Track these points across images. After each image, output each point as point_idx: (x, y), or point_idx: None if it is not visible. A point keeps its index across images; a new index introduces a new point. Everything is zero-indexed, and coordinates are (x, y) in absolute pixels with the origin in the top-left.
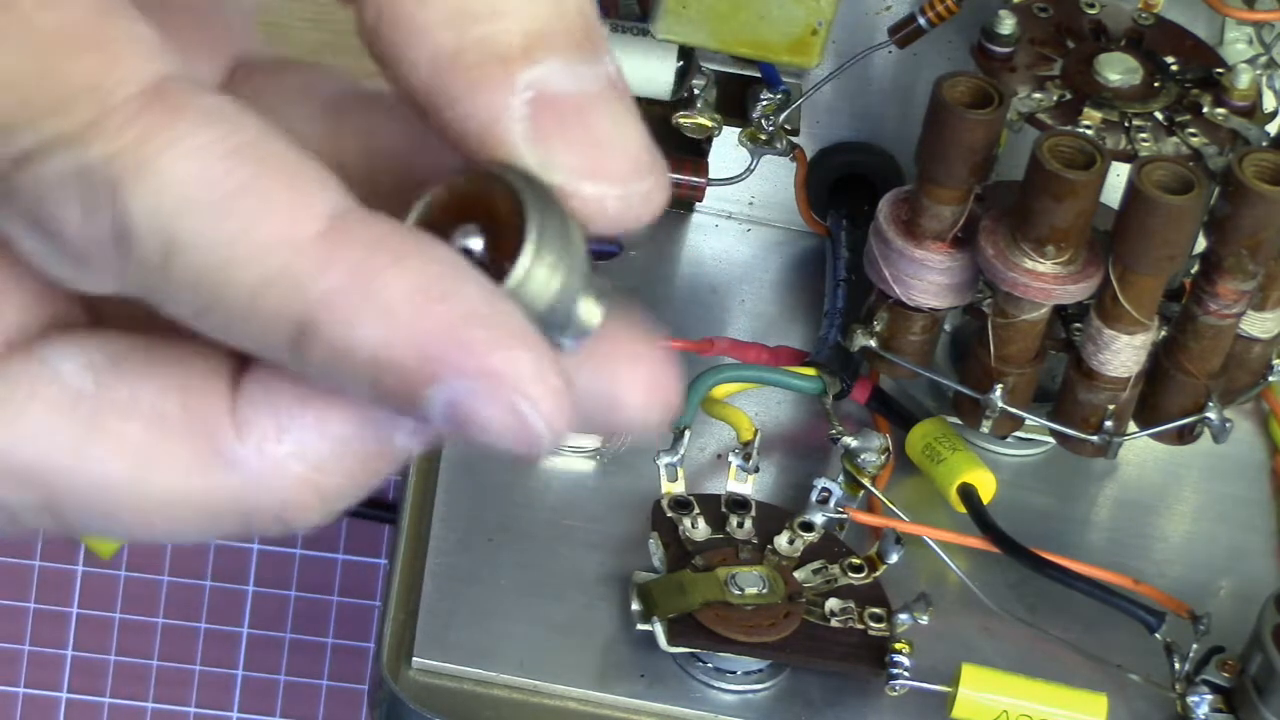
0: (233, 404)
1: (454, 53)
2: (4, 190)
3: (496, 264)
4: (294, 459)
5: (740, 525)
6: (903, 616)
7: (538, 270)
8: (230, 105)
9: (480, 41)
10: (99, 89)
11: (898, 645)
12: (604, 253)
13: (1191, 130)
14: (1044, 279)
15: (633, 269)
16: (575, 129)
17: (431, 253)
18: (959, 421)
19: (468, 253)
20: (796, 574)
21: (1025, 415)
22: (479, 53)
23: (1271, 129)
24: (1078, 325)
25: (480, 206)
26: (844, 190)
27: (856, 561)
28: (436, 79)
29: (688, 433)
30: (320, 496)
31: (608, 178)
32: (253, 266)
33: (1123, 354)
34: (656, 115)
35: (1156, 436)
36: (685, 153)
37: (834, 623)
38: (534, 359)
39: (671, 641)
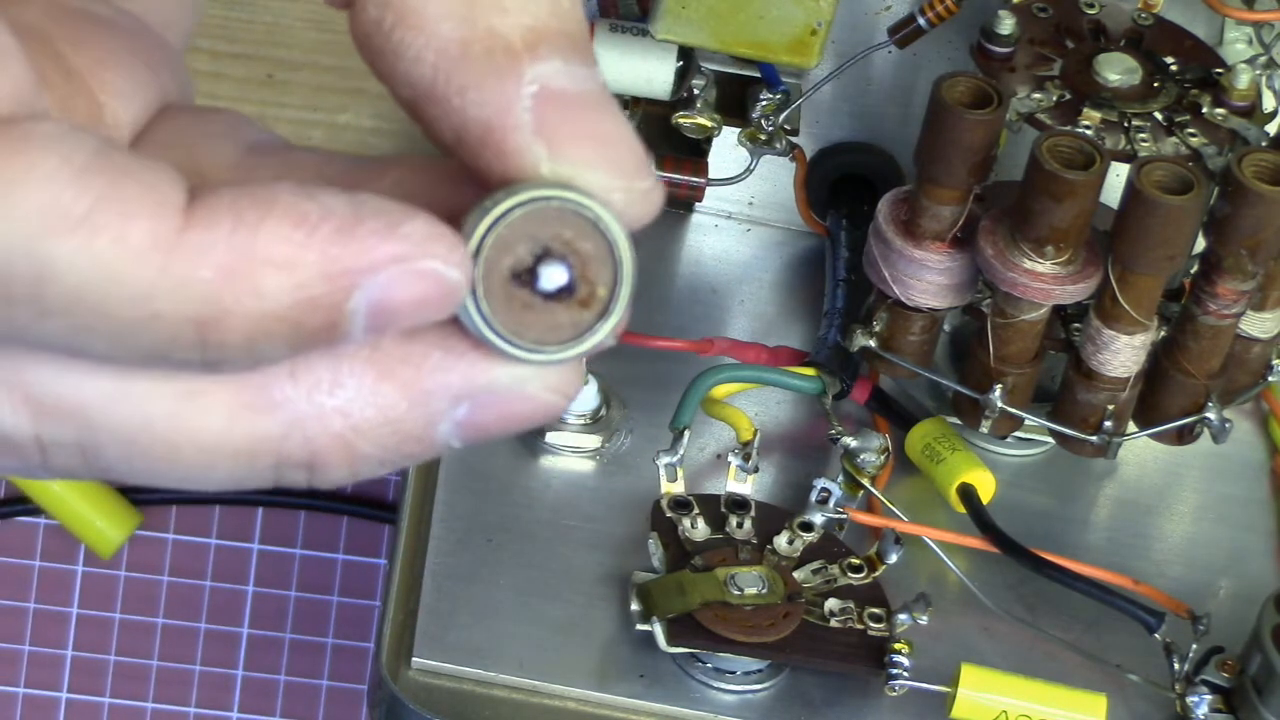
0: None
1: (462, 43)
2: None
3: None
4: (338, 414)
5: (740, 525)
6: (902, 616)
7: (619, 319)
8: (65, 127)
9: (488, 33)
10: None
11: (897, 645)
12: None
13: (1191, 130)
14: (1043, 279)
15: None
16: (580, 123)
17: (287, 194)
18: (958, 421)
19: (553, 290)
20: (796, 574)
21: (1025, 415)
22: (487, 43)
23: (1271, 129)
24: (1077, 325)
25: (545, 230)
26: (844, 190)
27: (856, 562)
28: (444, 69)
29: (687, 433)
30: (350, 459)
31: (613, 171)
32: (135, 275)
33: (1122, 354)
34: (656, 115)
35: (1156, 437)
36: (685, 153)
37: (833, 623)
38: (422, 222)
39: (671, 642)
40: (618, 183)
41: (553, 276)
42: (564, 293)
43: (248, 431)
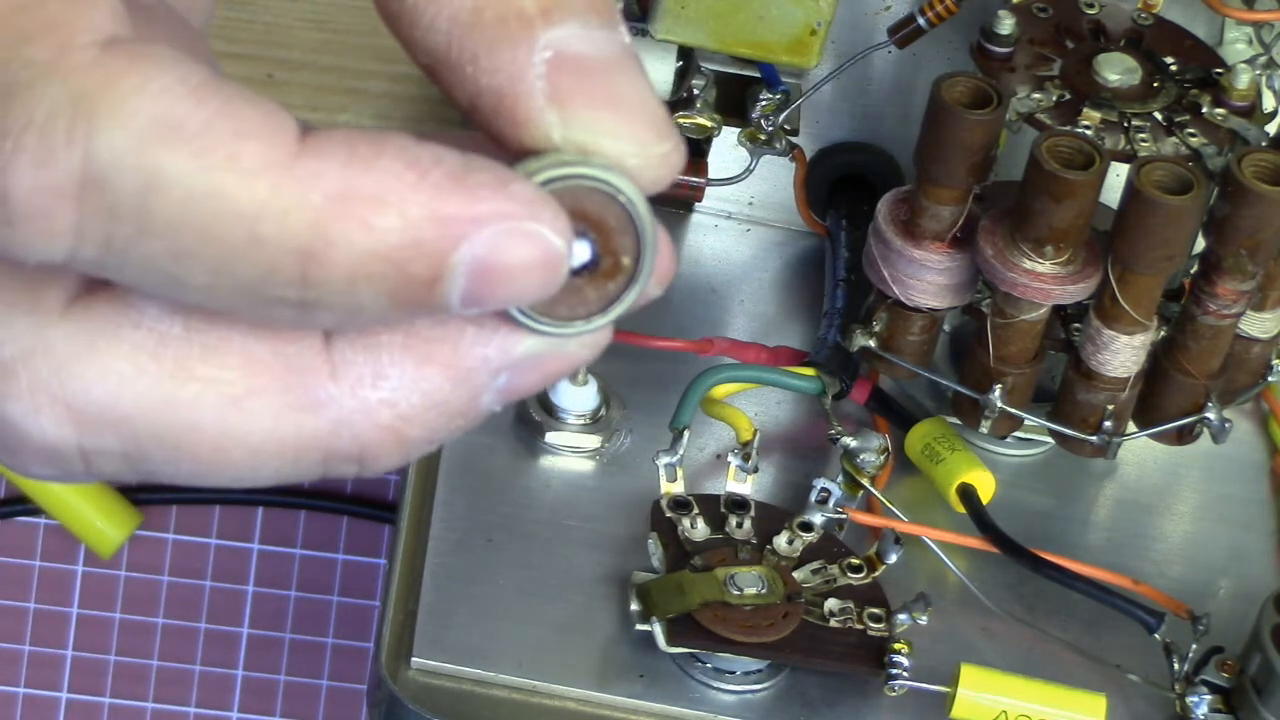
0: (327, 346)
1: (475, 9)
2: None
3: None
4: (385, 406)
5: (739, 525)
6: (902, 617)
7: (644, 286)
8: (180, 53)
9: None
10: (61, 32)
11: (897, 645)
12: None
13: (1190, 130)
14: (1043, 279)
15: None
16: (594, 89)
17: (399, 138)
18: (958, 422)
19: (577, 267)
20: (795, 574)
21: (1024, 415)
22: (499, 10)
23: (1270, 129)
24: (1077, 325)
25: (565, 208)
26: (843, 190)
27: (856, 562)
28: (457, 37)
29: (687, 433)
30: (400, 444)
31: (628, 137)
32: (244, 194)
33: (1122, 354)
34: None
35: (1156, 437)
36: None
37: (833, 623)
38: (527, 185)
39: (670, 642)
40: (633, 147)
41: (576, 254)
42: (588, 267)
43: (295, 432)
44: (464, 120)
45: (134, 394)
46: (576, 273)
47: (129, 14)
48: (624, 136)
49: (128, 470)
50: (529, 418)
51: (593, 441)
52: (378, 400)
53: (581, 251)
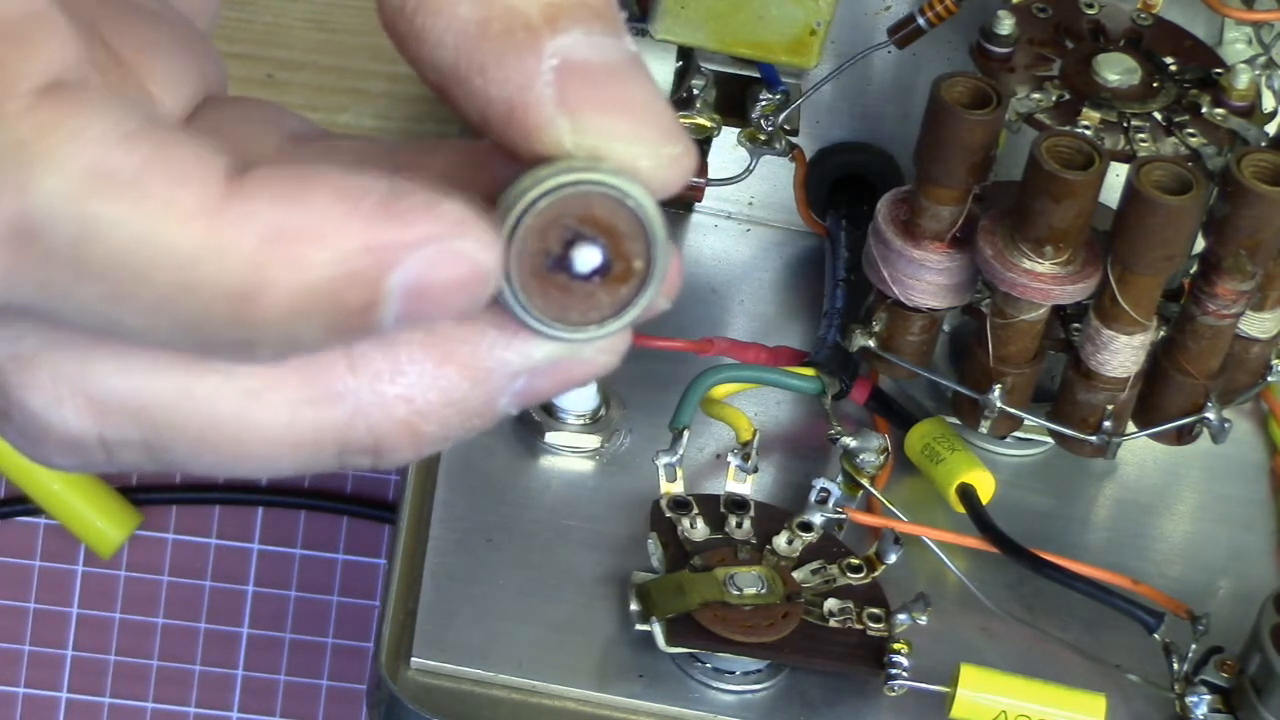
0: None
1: (480, 23)
2: None
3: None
4: (402, 401)
5: (739, 525)
6: (901, 617)
7: (657, 290)
8: (112, 96)
9: (506, 11)
10: (2, 78)
11: (896, 645)
12: None
13: (1190, 130)
14: (1042, 279)
15: None
16: (603, 94)
17: (329, 171)
18: (958, 422)
19: (588, 272)
20: (795, 574)
21: (1024, 415)
22: (505, 21)
23: (1270, 129)
24: (1076, 325)
25: (575, 213)
26: (843, 190)
27: (855, 562)
28: (465, 51)
29: (686, 433)
30: (415, 439)
31: (639, 141)
32: (177, 240)
33: (1121, 354)
34: None
35: (1155, 437)
36: None
37: (833, 623)
38: (458, 204)
39: (670, 642)
40: (643, 150)
41: (586, 259)
42: (600, 272)
43: (312, 424)
44: (462, 129)
45: (154, 386)
46: (588, 278)
47: (90, 39)
48: (635, 140)
49: (149, 460)
50: (529, 418)
51: (592, 441)
52: (395, 395)
53: (592, 256)
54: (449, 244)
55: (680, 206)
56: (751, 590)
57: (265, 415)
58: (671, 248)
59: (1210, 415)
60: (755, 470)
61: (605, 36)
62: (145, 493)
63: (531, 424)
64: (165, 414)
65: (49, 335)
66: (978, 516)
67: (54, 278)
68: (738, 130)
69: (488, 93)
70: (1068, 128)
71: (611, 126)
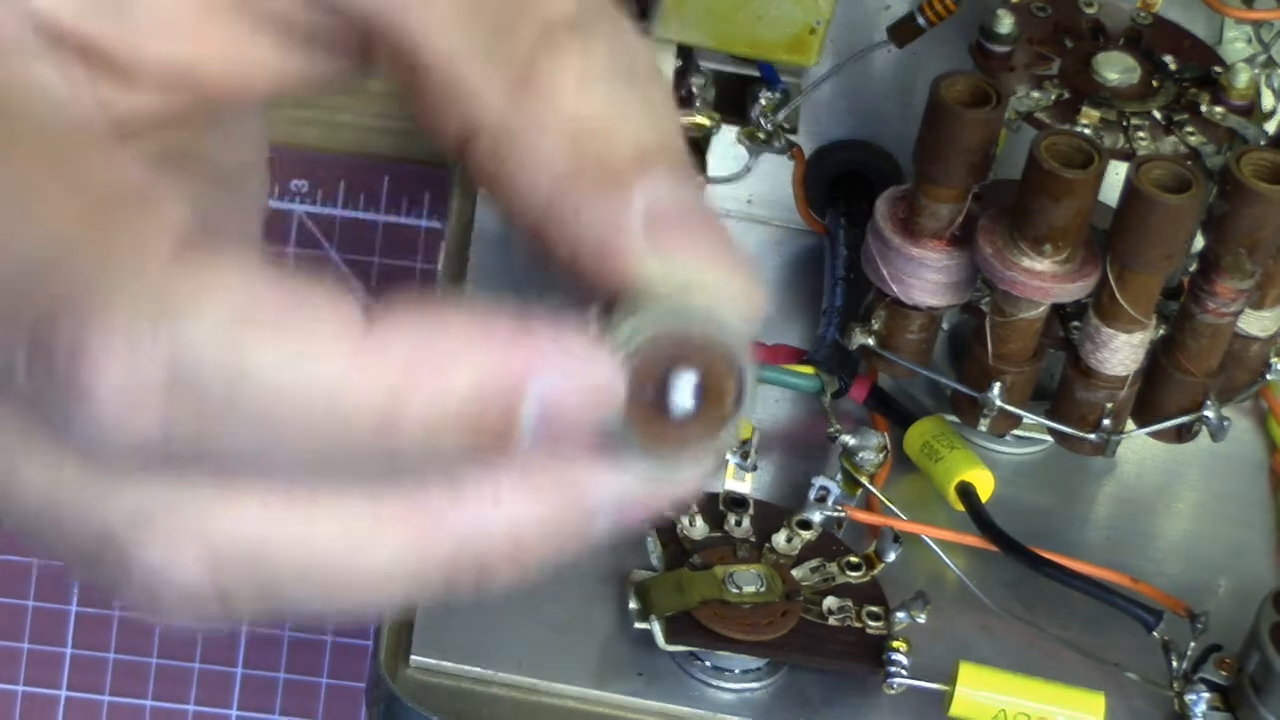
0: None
1: (573, 173)
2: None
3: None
4: (504, 533)
5: (738, 523)
6: (900, 615)
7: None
8: (244, 246)
9: (597, 160)
10: (140, 235)
11: (895, 643)
12: None
13: (1189, 129)
14: (1042, 277)
15: None
16: (688, 236)
17: (454, 308)
18: (957, 420)
19: (686, 405)
20: (794, 572)
21: (1023, 413)
22: (597, 170)
23: (1269, 128)
24: (1076, 324)
25: (671, 354)
26: (842, 189)
27: (854, 560)
28: (559, 194)
29: None
30: (517, 564)
31: (725, 278)
32: (324, 374)
33: (1121, 352)
34: None
35: (1155, 435)
36: None
37: (832, 621)
38: (580, 334)
39: (669, 640)
40: (728, 287)
41: (683, 400)
42: (694, 410)
43: (419, 559)
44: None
45: (273, 533)
46: (684, 409)
47: (195, 204)
48: (721, 277)
49: (260, 607)
50: None
51: None
52: (496, 527)
53: (691, 391)
54: (580, 366)
55: None
56: (750, 588)
57: (375, 554)
58: (755, 376)
59: (1209, 413)
60: (754, 468)
61: (685, 179)
62: None
63: None
64: (282, 559)
65: (173, 488)
66: (977, 515)
67: (208, 421)
68: (737, 128)
69: (580, 234)
70: (1067, 126)
71: (699, 265)
